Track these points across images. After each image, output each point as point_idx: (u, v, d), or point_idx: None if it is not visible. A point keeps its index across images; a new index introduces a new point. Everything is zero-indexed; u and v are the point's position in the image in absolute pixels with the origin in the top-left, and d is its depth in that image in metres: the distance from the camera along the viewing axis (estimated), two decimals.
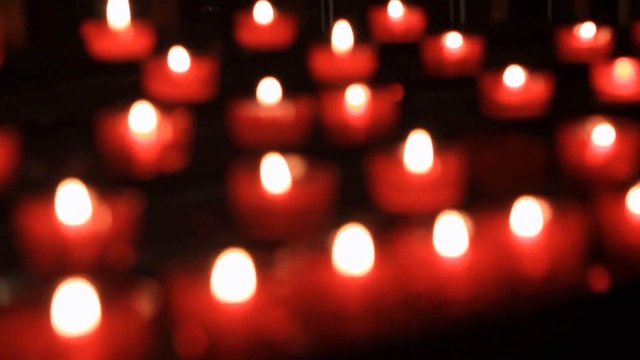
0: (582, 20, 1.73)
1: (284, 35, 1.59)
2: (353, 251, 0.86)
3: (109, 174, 1.17)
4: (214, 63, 1.38)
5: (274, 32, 1.58)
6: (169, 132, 1.19)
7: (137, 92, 1.33)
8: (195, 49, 1.38)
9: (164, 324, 0.81)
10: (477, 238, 0.90)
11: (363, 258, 0.86)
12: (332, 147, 1.30)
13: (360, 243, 0.87)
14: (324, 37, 1.51)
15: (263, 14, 1.58)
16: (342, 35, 1.50)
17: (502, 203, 0.96)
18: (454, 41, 1.58)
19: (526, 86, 1.43)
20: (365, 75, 1.46)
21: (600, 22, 1.72)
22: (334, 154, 1.21)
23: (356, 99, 1.31)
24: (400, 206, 1.09)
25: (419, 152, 1.11)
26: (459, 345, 0.88)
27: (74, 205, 0.96)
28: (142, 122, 1.18)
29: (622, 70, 1.54)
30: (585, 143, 1.21)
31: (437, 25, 1.64)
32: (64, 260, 0.93)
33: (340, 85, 1.33)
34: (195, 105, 1.30)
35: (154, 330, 0.79)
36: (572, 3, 2.18)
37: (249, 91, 1.29)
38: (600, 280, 0.96)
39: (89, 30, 1.45)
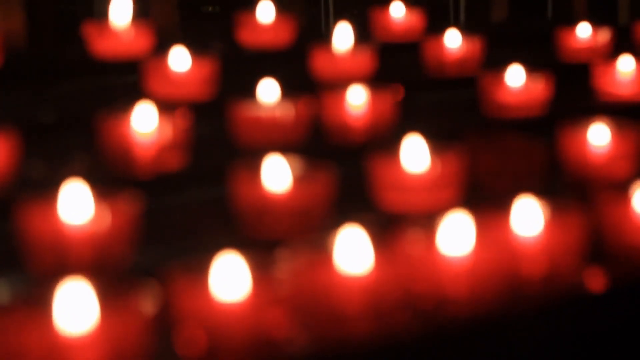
0: (582, 20, 1.73)
1: (284, 35, 1.59)
2: (353, 251, 0.86)
3: (109, 174, 1.17)
4: (214, 63, 1.38)
5: (274, 32, 1.58)
6: (169, 132, 1.19)
7: (137, 92, 1.33)
8: (195, 49, 1.38)
9: (164, 324, 0.81)
10: (477, 238, 0.90)
11: (363, 258, 0.86)
12: (332, 147, 1.30)
13: (360, 243, 0.87)
14: (324, 37, 1.51)
15: (263, 14, 1.58)
16: (342, 35, 1.50)
17: (502, 203, 0.96)
18: (454, 41, 1.58)
19: (526, 86, 1.43)
20: (365, 75, 1.46)
21: (600, 22, 1.72)
22: (334, 154, 1.21)
23: (356, 99, 1.31)
24: (400, 206, 1.09)
25: (418, 152, 1.11)
26: (458, 345, 0.88)
27: (74, 205, 0.96)
28: (143, 122, 1.18)
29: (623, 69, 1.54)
30: (585, 143, 1.21)
31: (437, 25, 1.64)
32: (64, 260, 0.93)
33: (340, 85, 1.33)
34: (196, 105, 1.30)
35: (154, 330, 0.79)
36: (572, 3, 2.18)
37: (249, 91, 1.29)
38: (600, 280, 0.96)
39: (89, 30, 1.45)
